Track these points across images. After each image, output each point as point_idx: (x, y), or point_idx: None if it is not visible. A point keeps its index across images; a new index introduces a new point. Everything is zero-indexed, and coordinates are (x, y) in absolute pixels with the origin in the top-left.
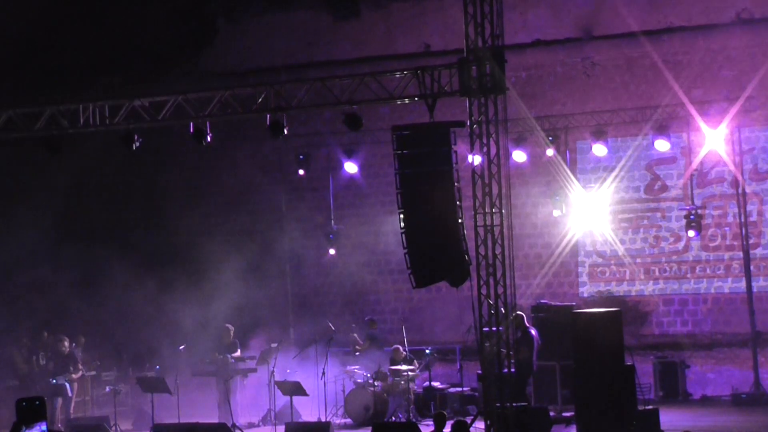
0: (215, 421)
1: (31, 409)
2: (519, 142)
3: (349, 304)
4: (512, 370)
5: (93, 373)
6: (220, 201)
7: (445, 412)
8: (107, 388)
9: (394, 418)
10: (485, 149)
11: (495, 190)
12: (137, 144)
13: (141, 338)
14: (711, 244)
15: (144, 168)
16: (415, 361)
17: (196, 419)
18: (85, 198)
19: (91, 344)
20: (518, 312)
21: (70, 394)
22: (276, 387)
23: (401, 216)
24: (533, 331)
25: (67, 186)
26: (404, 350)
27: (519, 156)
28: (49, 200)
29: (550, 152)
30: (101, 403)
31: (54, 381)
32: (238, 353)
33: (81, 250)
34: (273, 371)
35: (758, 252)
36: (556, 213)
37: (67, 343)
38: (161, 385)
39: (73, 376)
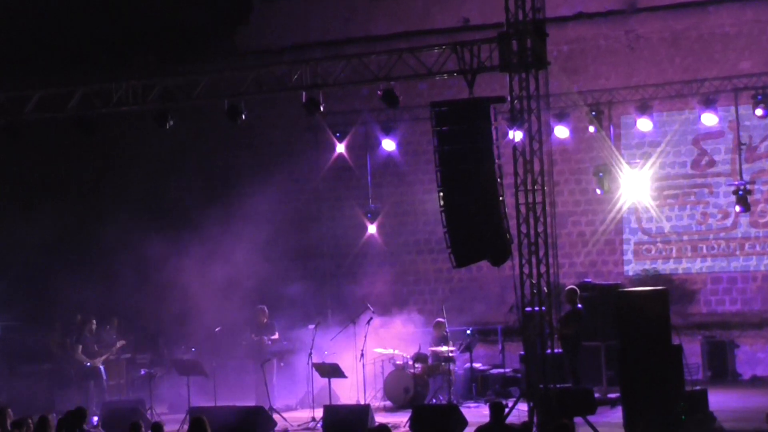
0: (252, 404)
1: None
2: (561, 118)
3: (388, 284)
4: (556, 350)
5: (128, 355)
6: (255, 180)
7: (501, 402)
8: (142, 371)
9: (434, 401)
10: (526, 125)
11: (537, 167)
12: (171, 123)
13: (176, 320)
14: (761, 221)
15: (177, 147)
16: (454, 342)
17: (233, 402)
18: (120, 178)
19: (126, 327)
20: (572, 286)
21: (105, 377)
22: (314, 369)
23: (441, 194)
24: (581, 308)
25: (102, 168)
26: (446, 328)
27: (561, 132)
28: (81, 184)
29: (592, 128)
30: (137, 386)
31: (89, 365)
32: (275, 335)
33: (116, 233)
34: (311, 353)
35: None
36: (599, 190)
37: (94, 326)
38: (197, 368)
39: (101, 358)
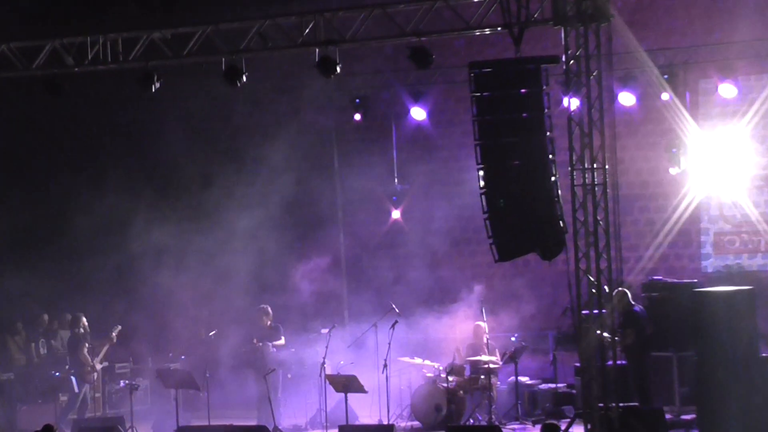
0: (253, 423)
1: None
2: (626, 82)
3: (416, 281)
4: (619, 362)
5: (105, 364)
6: (258, 156)
7: (557, 424)
8: (121, 383)
9: (472, 421)
10: (584, 90)
11: (596, 141)
12: (156, 86)
13: (163, 322)
14: None
15: (159, 116)
16: (497, 350)
17: (230, 421)
18: (95, 153)
19: (100, 330)
20: (621, 289)
21: (76, 390)
22: (327, 382)
23: (481, 173)
24: (638, 310)
25: (74, 141)
26: (487, 334)
27: (626, 99)
28: (48, 160)
29: (665, 95)
30: (115, 401)
31: (57, 374)
32: (281, 341)
33: (89, 218)
34: (324, 363)
35: None
36: (673, 170)
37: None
38: (188, 379)
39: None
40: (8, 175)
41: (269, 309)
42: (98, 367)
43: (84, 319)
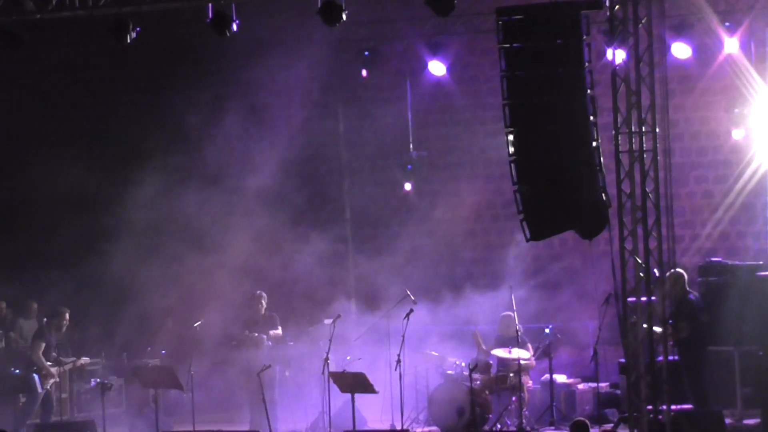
0: (245, 428)
1: None
2: (681, 31)
3: (435, 264)
4: (671, 357)
5: (72, 359)
6: (250, 119)
7: (586, 421)
8: (92, 382)
9: (499, 426)
10: (631, 41)
11: (645, 101)
12: (132, 36)
13: (140, 311)
14: None
15: (141, 71)
16: (529, 344)
17: (219, 425)
18: (58, 114)
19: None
20: (676, 270)
21: (39, 390)
22: (331, 381)
23: (510, 138)
24: (694, 297)
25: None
26: (517, 325)
27: (681, 50)
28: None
29: (729, 47)
30: (84, 402)
31: (17, 371)
32: (277, 331)
33: (48, 181)
34: (327, 358)
35: None
36: (736, 133)
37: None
38: (168, 377)
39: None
40: None
41: (264, 295)
42: (54, 372)
43: (67, 315)
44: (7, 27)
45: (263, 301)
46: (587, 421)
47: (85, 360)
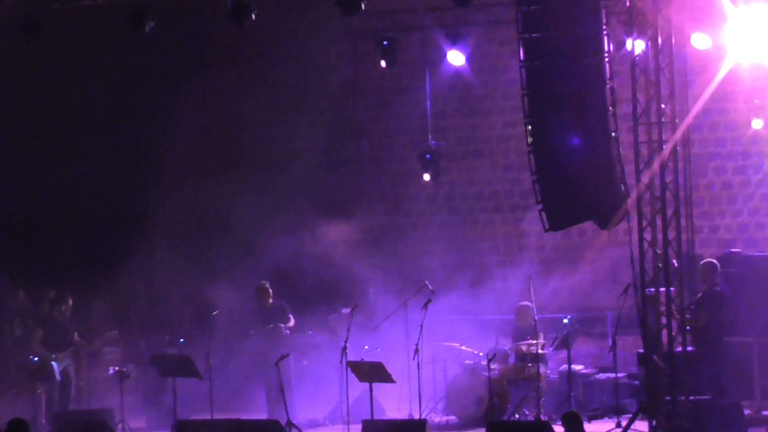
0: (264, 417)
1: None
2: (700, 21)
3: (453, 254)
4: (689, 348)
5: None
6: (269, 107)
7: (577, 412)
8: (110, 370)
9: (517, 416)
10: (651, 32)
11: (665, 91)
12: (151, 25)
13: (159, 298)
14: None
15: (156, 58)
16: (546, 335)
17: (237, 414)
18: (76, 100)
19: (84, 308)
20: (709, 260)
21: (58, 378)
22: (349, 370)
23: (529, 128)
24: (722, 290)
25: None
26: (535, 315)
27: (700, 41)
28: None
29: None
30: (102, 390)
31: (35, 359)
32: (291, 322)
33: (69, 171)
34: (345, 348)
35: None
36: (756, 123)
37: (70, 304)
38: (187, 366)
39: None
40: None
41: (268, 285)
42: (63, 357)
43: (70, 301)
44: (29, 16)
45: (268, 291)
46: (578, 413)
47: (112, 333)
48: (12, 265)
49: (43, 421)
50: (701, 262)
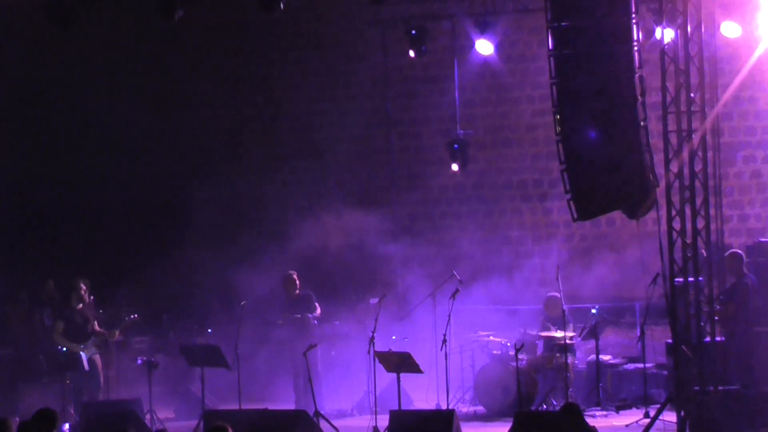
0: (291, 407)
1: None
2: (730, 9)
3: (481, 243)
4: (718, 338)
5: (120, 338)
6: (299, 97)
7: (576, 404)
8: (139, 360)
9: (545, 406)
10: (680, 20)
11: (694, 80)
12: (180, 14)
13: (187, 289)
14: None
15: (186, 48)
16: (575, 325)
17: (265, 404)
18: (105, 90)
19: (109, 297)
20: (735, 250)
21: (86, 368)
22: (377, 360)
23: (557, 117)
24: (750, 281)
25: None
26: (563, 305)
27: (730, 29)
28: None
29: None
30: (130, 380)
31: (65, 349)
32: (317, 311)
33: (102, 162)
34: (373, 338)
35: None
36: None
37: (84, 293)
38: (215, 356)
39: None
40: (12, 121)
41: (295, 275)
42: (89, 345)
43: (83, 289)
44: (57, 5)
45: (294, 281)
46: (578, 405)
47: (133, 317)
48: (43, 256)
49: (72, 411)
50: (726, 254)
